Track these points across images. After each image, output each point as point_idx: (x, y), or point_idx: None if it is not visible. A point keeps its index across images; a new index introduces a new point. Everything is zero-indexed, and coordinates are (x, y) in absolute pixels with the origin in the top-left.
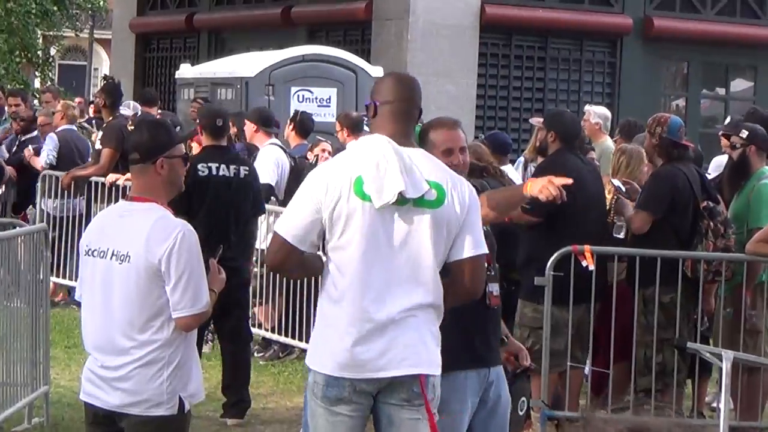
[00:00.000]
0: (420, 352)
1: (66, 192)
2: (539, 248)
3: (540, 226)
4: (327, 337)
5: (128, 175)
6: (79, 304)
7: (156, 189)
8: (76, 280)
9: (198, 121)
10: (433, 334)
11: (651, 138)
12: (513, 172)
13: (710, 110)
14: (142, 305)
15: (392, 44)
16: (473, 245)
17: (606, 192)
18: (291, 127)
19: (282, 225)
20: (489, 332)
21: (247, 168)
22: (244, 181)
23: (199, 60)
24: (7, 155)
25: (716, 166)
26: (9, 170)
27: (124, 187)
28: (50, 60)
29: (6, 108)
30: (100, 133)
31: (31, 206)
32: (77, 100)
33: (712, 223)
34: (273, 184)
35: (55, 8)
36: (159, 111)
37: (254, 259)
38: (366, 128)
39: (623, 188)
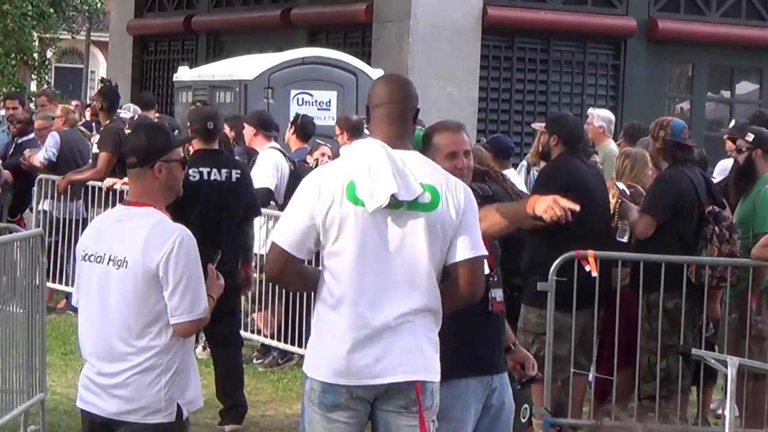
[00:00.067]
0: (416, 358)
1: (63, 196)
2: (543, 253)
3: (544, 230)
4: (323, 343)
5: (125, 179)
6: (75, 310)
7: (154, 193)
8: (74, 286)
9: (189, 124)
10: (431, 340)
11: (654, 142)
12: (515, 176)
13: (715, 113)
14: (139, 311)
15: (393, 46)
16: (470, 247)
17: (610, 195)
18: (292, 130)
19: (278, 233)
20: (492, 339)
21: (239, 171)
22: (236, 184)
23: (198, 62)
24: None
25: (721, 169)
26: (5, 174)
27: (122, 192)
28: (46, 63)
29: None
30: (97, 137)
31: (27, 210)
32: (74, 103)
33: (717, 228)
34: (272, 188)
35: (52, 10)
36: (157, 114)
37: (253, 264)
38: (366, 132)
39: (628, 192)
